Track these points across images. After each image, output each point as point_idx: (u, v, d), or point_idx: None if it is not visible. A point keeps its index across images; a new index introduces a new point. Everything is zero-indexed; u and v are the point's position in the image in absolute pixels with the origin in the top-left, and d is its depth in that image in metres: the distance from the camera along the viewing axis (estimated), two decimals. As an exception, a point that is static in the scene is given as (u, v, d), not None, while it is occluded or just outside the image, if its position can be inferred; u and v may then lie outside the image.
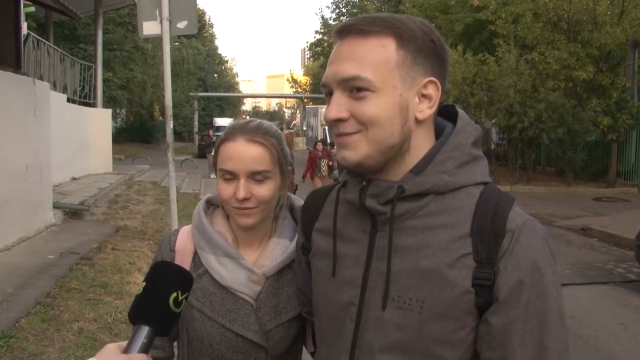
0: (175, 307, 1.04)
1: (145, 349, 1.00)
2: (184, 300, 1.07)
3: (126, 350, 0.98)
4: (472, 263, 1.01)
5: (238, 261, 1.42)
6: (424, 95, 1.06)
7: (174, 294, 1.04)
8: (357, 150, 1.05)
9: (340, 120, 1.05)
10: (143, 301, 1.04)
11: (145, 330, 1.01)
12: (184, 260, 1.46)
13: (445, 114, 1.17)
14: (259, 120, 1.47)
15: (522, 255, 1.00)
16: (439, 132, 1.13)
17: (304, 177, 12.98)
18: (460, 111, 1.15)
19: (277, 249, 1.46)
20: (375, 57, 1.03)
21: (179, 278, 1.09)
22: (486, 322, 1.01)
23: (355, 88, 1.03)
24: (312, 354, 1.50)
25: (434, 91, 1.06)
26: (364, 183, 1.10)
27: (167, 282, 1.06)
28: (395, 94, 1.03)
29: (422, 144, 1.09)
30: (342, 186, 1.19)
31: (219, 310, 1.41)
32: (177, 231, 1.53)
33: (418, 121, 1.06)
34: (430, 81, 1.06)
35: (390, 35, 1.04)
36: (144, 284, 1.06)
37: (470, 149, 1.10)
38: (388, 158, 1.07)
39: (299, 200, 1.57)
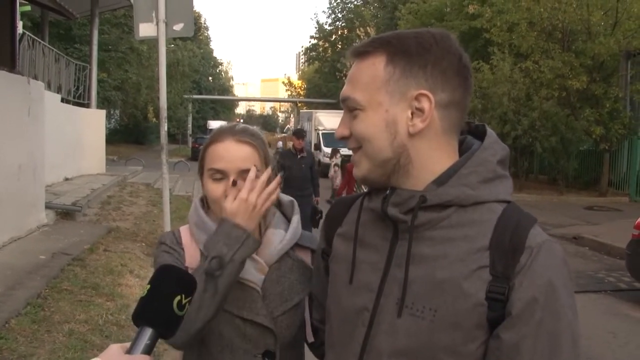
0: (178, 310, 1.05)
1: (148, 350, 1.01)
2: (187, 304, 1.08)
3: (129, 351, 0.99)
4: (487, 276, 1.01)
5: None
6: (418, 109, 1.06)
7: (178, 298, 1.05)
8: (360, 166, 1.13)
9: (345, 138, 1.14)
10: (147, 303, 1.05)
11: (148, 332, 1.02)
12: (194, 255, 1.49)
13: (476, 133, 1.18)
14: (243, 124, 1.54)
15: (539, 273, 1.00)
16: (467, 150, 1.14)
17: (338, 194, 11.26)
18: (489, 130, 1.16)
19: (275, 239, 1.51)
20: (365, 76, 1.09)
21: (182, 282, 1.10)
22: (497, 337, 1.00)
23: (349, 107, 1.12)
24: (311, 345, 1.52)
25: (426, 104, 1.06)
26: (388, 192, 1.12)
27: (172, 286, 1.07)
28: (380, 110, 1.07)
29: (430, 156, 1.09)
30: (367, 195, 1.21)
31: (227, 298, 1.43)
32: (178, 230, 1.56)
33: (412, 135, 1.07)
34: (421, 94, 1.06)
35: (382, 53, 1.08)
36: (149, 286, 1.07)
37: (496, 166, 1.10)
38: (388, 171, 1.10)
39: (287, 196, 1.63)
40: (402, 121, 1.07)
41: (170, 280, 1.08)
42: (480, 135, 1.17)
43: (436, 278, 1.04)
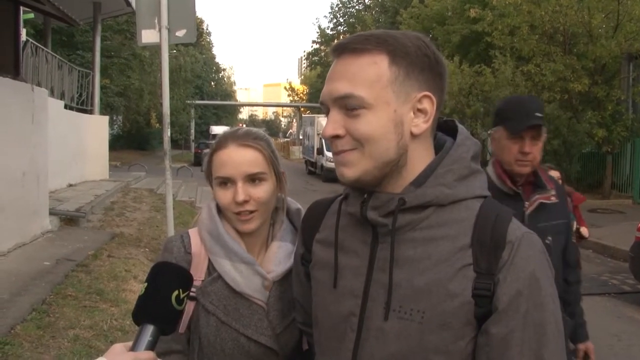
0: (177, 304, 1.08)
1: (151, 347, 1.03)
2: (185, 298, 1.10)
3: (133, 349, 1.01)
4: (472, 274, 1.03)
5: (253, 267, 1.44)
6: (419, 110, 1.07)
7: (176, 292, 1.08)
8: (355, 167, 1.07)
9: (337, 137, 1.08)
10: (146, 301, 1.07)
11: (150, 329, 1.04)
12: (200, 263, 1.47)
13: (446, 129, 1.19)
14: (246, 127, 1.52)
15: (521, 266, 1.02)
16: (439, 147, 1.14)
17: None
18: (460, 126, 1.17)
19: (281, 253, 1.49)
20: (367, 74, 1.05)
21: (179, 277, 1.13)
22: (486, 332, 1.02)
23: (350, 106, 1.06)
24: (305, 352, 1.53)
25: (429, 105, 1.07)
26: (366, 195, 1.11)
27: (168, 281, 1.10)
28: (389, 110, 1.05)
29: (420, 157, 1.10)
30: (344, 198, 1.20)
31: (232, 314, 1.43)
32: (187, 234, 1.52)
33: (414, 136, 1.08)
34: (425, 95, 1.07)
35: (383, 52, 1.05)
36: (146, 284, 1.09)
37: (470, 162, 1.12)
38: (385, 173, 1.08)
39: (294, 204, 1.60)
40: (407, 122, 1.07)
41: (166, 277, 1.11)
42: (449, 130, 1.18)
43: (421, 280, 1.04)
